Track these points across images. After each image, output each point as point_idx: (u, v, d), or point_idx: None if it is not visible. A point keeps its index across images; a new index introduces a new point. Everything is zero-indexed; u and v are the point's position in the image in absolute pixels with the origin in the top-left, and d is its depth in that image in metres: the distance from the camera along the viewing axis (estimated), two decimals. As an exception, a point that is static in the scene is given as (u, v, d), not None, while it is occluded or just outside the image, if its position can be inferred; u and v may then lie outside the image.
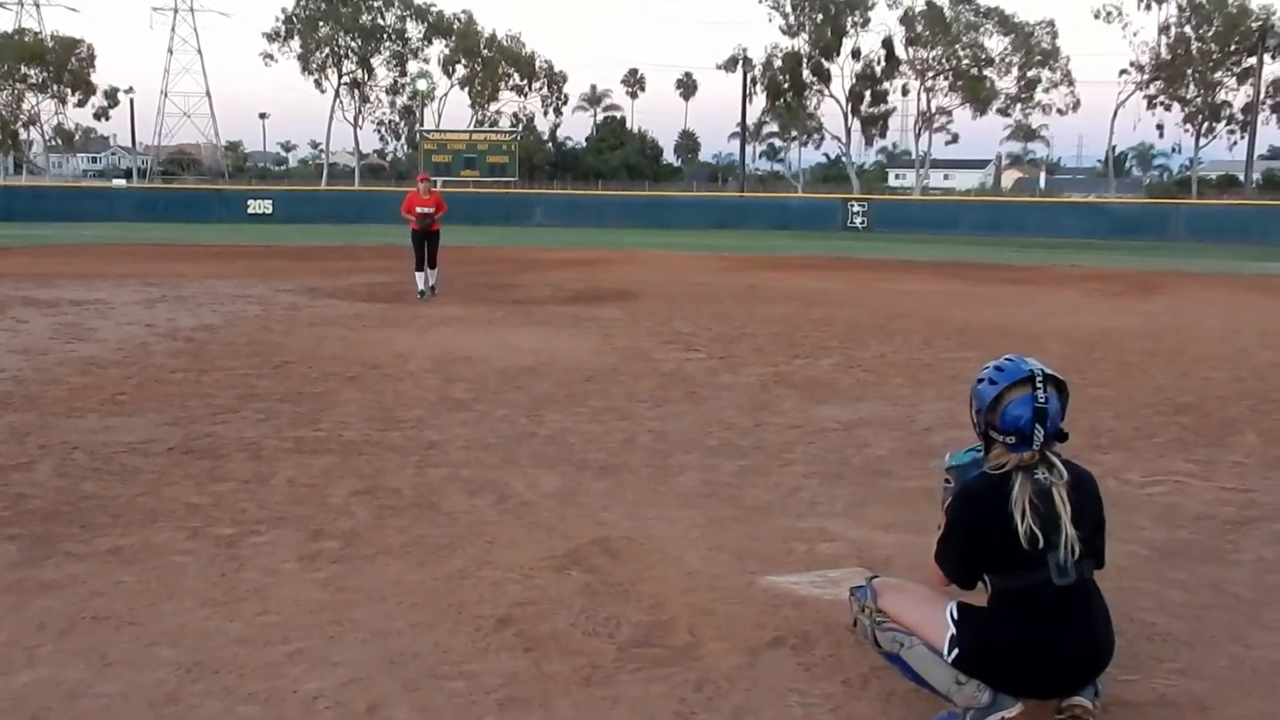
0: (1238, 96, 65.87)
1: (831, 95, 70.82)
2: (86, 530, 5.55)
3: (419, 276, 17.55)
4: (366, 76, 76.50)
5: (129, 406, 8.63)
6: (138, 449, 7.23)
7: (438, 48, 77.02)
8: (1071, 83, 67.71)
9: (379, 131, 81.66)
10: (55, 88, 78.92)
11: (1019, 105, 69.94)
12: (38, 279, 19.05)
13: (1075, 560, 3.51)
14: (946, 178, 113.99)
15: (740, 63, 67.98)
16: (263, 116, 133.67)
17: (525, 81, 79.53)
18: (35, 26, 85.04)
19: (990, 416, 3.64)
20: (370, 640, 4.27)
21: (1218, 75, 65.37)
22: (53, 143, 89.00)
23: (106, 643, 4.21)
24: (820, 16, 67.64)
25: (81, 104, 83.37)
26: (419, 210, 17.72)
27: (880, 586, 3.93)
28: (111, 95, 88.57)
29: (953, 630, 3.62)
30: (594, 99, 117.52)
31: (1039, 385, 3.58)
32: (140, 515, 5.82)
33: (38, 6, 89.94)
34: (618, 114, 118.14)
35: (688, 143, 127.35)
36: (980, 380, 3.72)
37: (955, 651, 3.61)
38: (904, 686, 3.85)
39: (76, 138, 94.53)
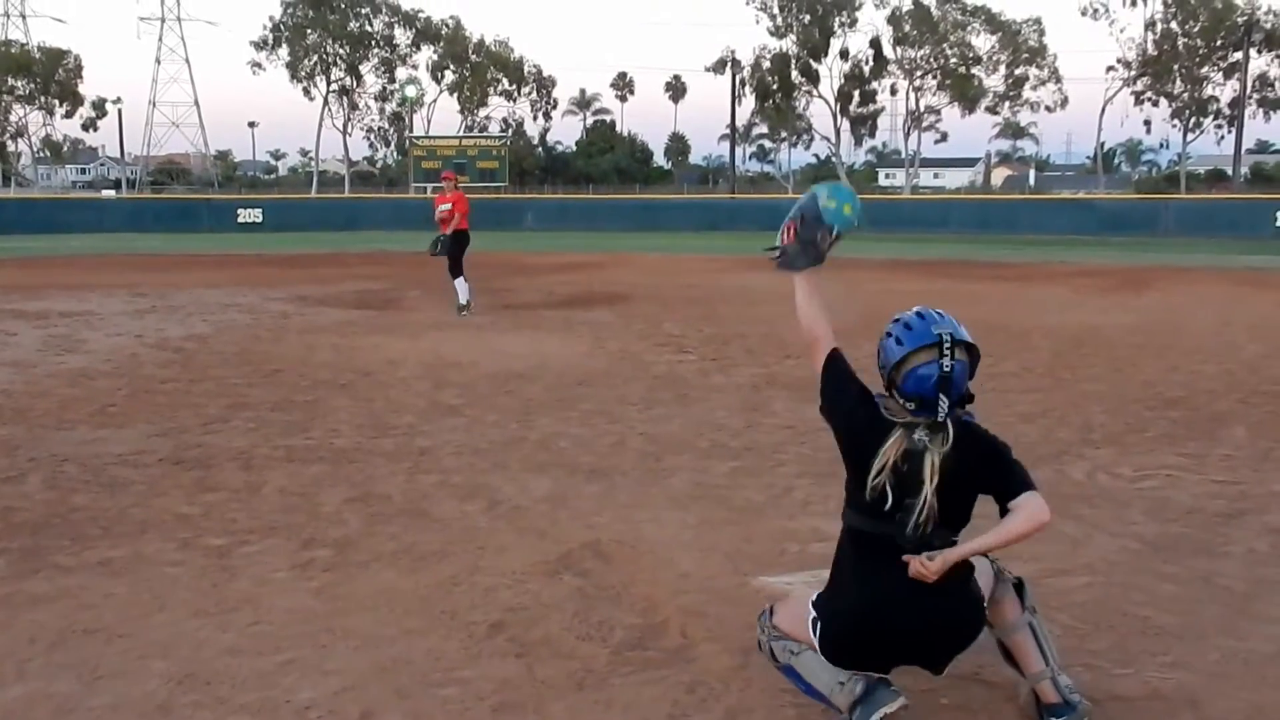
0: (1224, 91, 66.05)
1: (820, 96, 70.92)
2: (77, 542, 5.54)
3: (458, 286, 16.09)
4: (355, 83, 76.39)
5: (119, 418, 8.61)
6: (128, 460, 7.21)
7: (426, 54, 76.99)
8: (1059, 80, 67.88)
9: (368, 138, 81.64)
10: (43, 99, 78.80)
11: (1007, 103, 70.05)
12: (26, 291, 19.00)
13: (928, 530, 3.38)
14: (936, 176, 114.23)
15: (729, 64, 68.05)
16: (252, 125, 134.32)
17: (514, 86, 79.48)
18: (22, 38, 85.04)
19: (894, 375, 3.49)
20: (363, 648, 4.26)
21: (1204, 70, 65.48)
22: (41, 154, 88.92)
23: (97, 655, 4.20)
24: (808, 17, 67.64)
25: (69, 115, 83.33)
26: (440, 208, 16.61)
27: (777, 605, 3.88)
28: (99, 106, 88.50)
29: (813, 613, 3.58)
30: (583, 103, 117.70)
31: (946, 351, 3.41)
32: (131, 526, 5.80)
33: (24, 18, 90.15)
34: (607, 117, 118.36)
35: (678, 145, 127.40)
36: (889, 335, 3.57)
37: (819, 627, 3.54)
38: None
39: (65, 149, 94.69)
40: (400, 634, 4.40)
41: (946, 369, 3.39)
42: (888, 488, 3.38)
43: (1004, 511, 3.41)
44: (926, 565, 3.33)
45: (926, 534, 3.38)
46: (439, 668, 4.10)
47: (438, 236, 16.60)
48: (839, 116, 71.00)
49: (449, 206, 16.50)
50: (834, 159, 77.16)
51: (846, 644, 3.51)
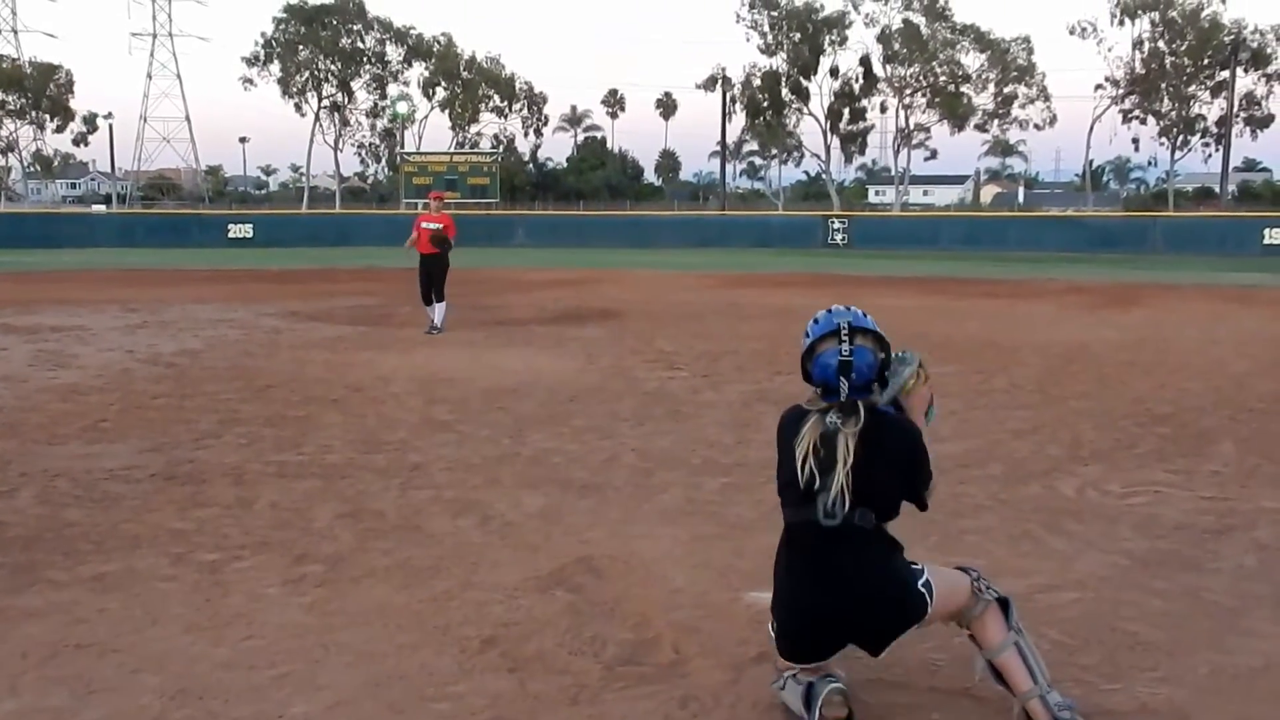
0: (1212, 109, 66.43)
1: (810, 113, 71.10)
2: (69, 557, 5.53)
3: (428, 310, 15.85)
4: (346, 100, 76.50)
5: (111, 433, 8.61)
6: (120, 475, 7.21)
7: (418, 70, 77.12)
8: (1048, 98, 68.14)
9: (360, 154, 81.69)
10: (33, 114, 78.85)
11: (996, 121, 70.28)
12: (17, 306, 18.97)
13: (846, 507, 3.61)
14: (926, 193, 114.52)
15: (719, 82, 68.14)
16: (243, 140, 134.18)
17: (505, 103, 79.55)
18: (13, 53, 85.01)
19: (806, 364, 3.79)
20: (356, 663, 4.27)
21: (1192, 89, 65.87)
22: (31, 169, 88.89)
23: (90, 670, 4.20)
24: (798, 35, 67.88)
25: (60, 130, 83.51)
26: (424, 226, 15.90)
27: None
28: (90, 121, 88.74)
29: (770, 604, 3.86)
30: (574, 119, 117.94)
31: (844, 339, 3.70)
32: (123, 542, 5.80)
33: (15, 33, 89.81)
34: (598, 134, 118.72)
35: (668, 162, 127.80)
36: (806, 330, 3.83)
37: (774, 630, 3.83)
38: (885, 699, 3.89)
39: (55, 164, 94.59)
40: (393, 649, 4.41)
41: (845, 354, 3.69)
42: (812, 471, 3.62)
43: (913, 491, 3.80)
44: None
45: (845, 512, 3.61)
46: (432, 683, 4.11)
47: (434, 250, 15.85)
48: (829, 134, 71.22)
49: (440, 226, 15.92)
50: (824, 176, 77.44)
51: (789, 632, 3.76)
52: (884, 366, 3.78)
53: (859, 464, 3.59)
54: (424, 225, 16.06)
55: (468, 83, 76.93)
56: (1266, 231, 41.29)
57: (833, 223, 48.09)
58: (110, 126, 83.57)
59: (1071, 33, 66.05)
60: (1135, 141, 75.94)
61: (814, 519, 3.63)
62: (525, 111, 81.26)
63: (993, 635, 3.72)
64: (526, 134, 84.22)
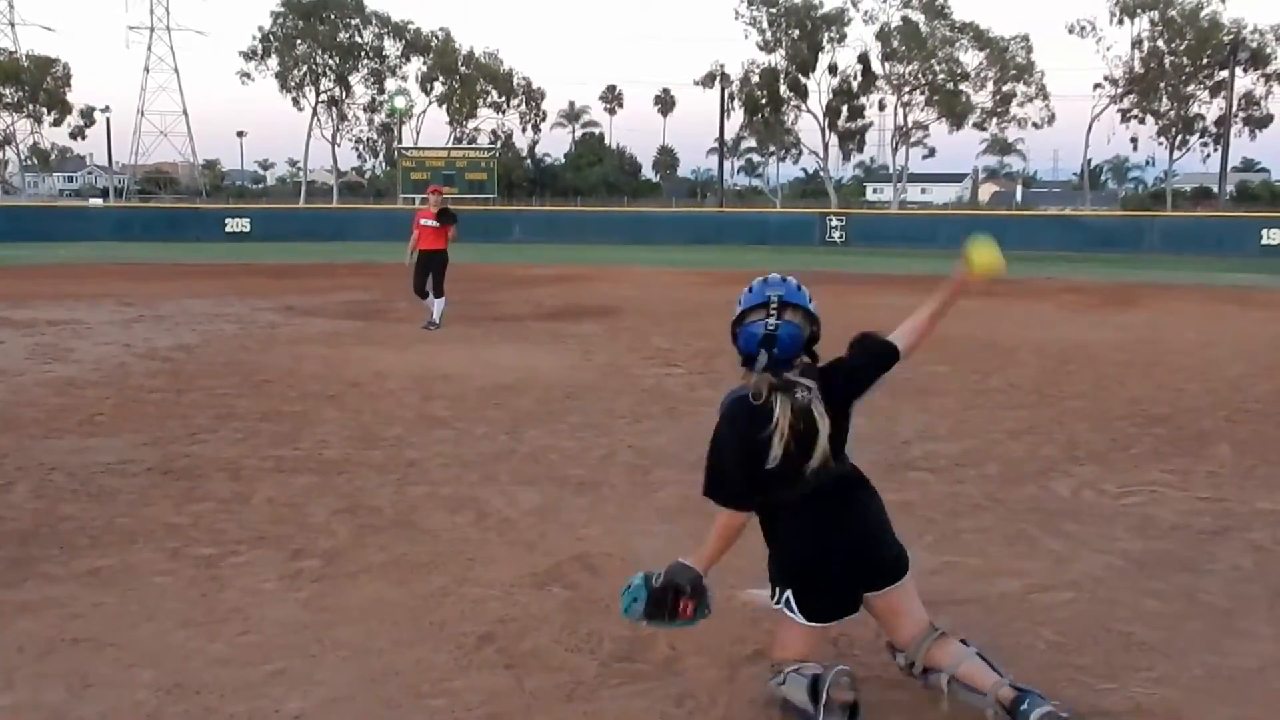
0: (1210, 109, 66.49)
1: (809, 110, 71.13)
2: (65, 552, 5.54)
3: (424, 303, 15.83)
4: (344, 94, 76.42)
5: (107, 427, 8.61)
6: (116, 470, 7.21)
7: (415, 65, 77.04)
8: (1046, 97, 68.16)
9: (357, 149, 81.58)
10: (31, 107, 78.71)
11: (995, 119, 70.27)
12: (14, 299, 18.92)
13: (831, 468, 3.72)
14: (924, 191, 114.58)
15: (718, 78, 68.12)
16: (240, 134, 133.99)
17: (503, 98, 79.54)
18: (10, 46, 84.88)
19: (735, 330, 3.85)
20: (352, 659, 4.28)
21: (1190, 88, 65.94)
22: (29, 162, 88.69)
23: (86, 665, 4.20)
24: (797, 33, 67.88)
25: (57, 123, 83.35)
26: (423, 223, 15.91)
27: (771, 651, 4.02)
28: (88, 114, 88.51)
29: (779, 594, 3.85)
30: (572, 115, 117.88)
31: (773, 311, 3.74)
32: (119, 536, 5.80)
33: (13, 26, 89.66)
34: (596, 130, 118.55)
35: (666, 158, 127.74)
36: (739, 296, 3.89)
37: (792, 598, 3.80)
38: (880, 698, 3.89)
39: (53, 157, 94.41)
40: (389, 645, 4.41)
41: (771, 326, 3.73)
42: (793, 447, 3.67)
43: (885, 359, 4.02)
44: None
45: (832, 472, 3.72)
46: (428, 679, 4.11)
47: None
48: (827, 131, 71.25)
49: (438, 225, 15.90)
50: (822, 173, 77.43)
51: (815, 586, 3.78)
52: (811, 341, 3.83)
53: (832, 426, 3.71)
54: (423, 223, 16.01)
55: (466, 78, 76.90)
56: (1264, 232, 41.30)
57: (830, 220, 48.09)
58: (107, 120, 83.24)
59: (1070, 31, 66.15)
60: (1134, 141, 75.98)
61: (811, 490, 3.71)
62: (523, 107, 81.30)
63: (952, 652, 3.77)
64: (524, 130, 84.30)
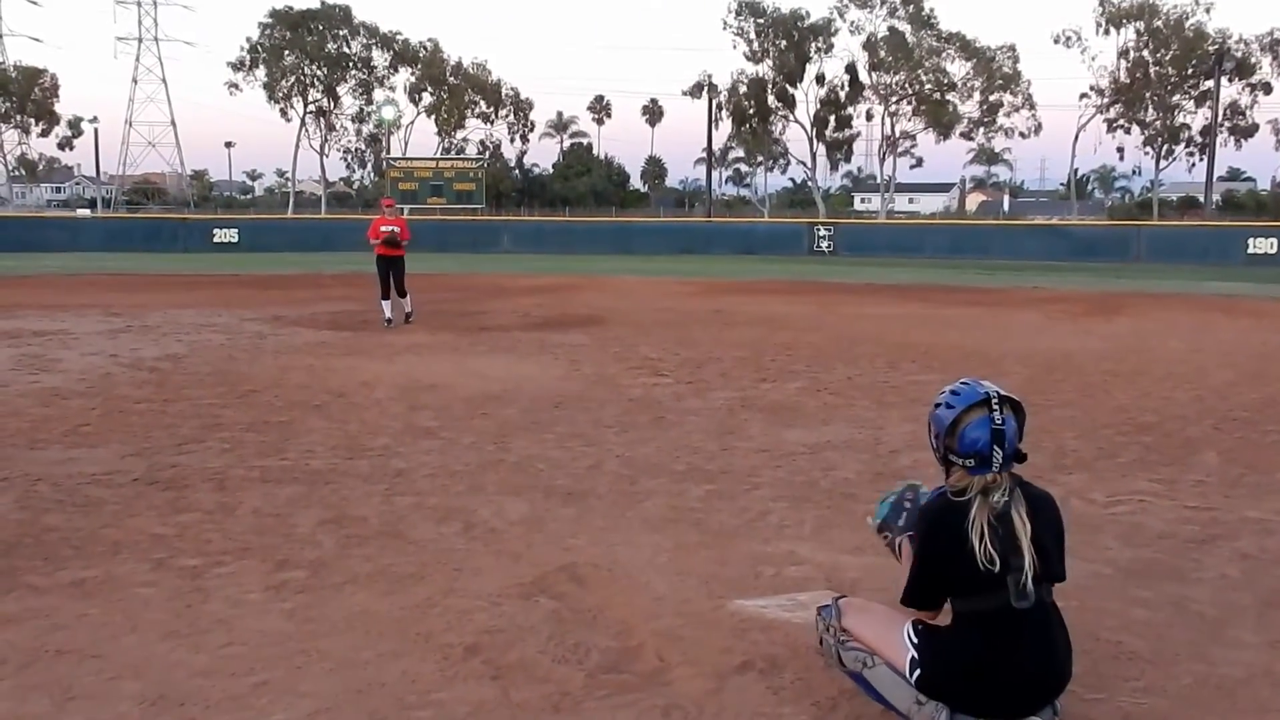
0: (1196, 119, 66.94)
1: (796, 120, 71.44)
2: (49, 563, 5.50)
3: (385, 305, 17.41)
4: (332, 105, 76.47)
5: (92, 437, 8.56)
6: (101, 480, 7.17)
7: (404, 76, 77.21)
8: (1033, 106, 68.61)
9: (345, 160, 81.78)
10: (18, 118, 78.62)
11: (982, 129, 70.66)
12: (0, 310, 18.88)
13: (1034, 583, 3.53)
14: (911, 201, 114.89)
15: (705, 89, 68.38)
16: (228, 145, 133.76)
17: (491, 109, 79.72)
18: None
19: (949, 440, 3.66)
20: (337, 670, 4.25)
21: (1176, 98, 66.32)
22: (16, 173, 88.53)
23: (69, 676, 4.17)
24: (784, 43, 68.17)
25: (45, 134, 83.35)
26: (384, 230, 17.66)
27: (845, 606, 3.96)
28: (75, 125, 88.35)
29: (913, 652, 3.66)
30: (560, 125, 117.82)
31: (995, 407, 3.61)
32: (103, 547, 5.77)
33: (0, 37, 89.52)
34: (584, 140, 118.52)
35: (654, 168, 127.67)
36: (937, 405, 3.74)
37: (917, 673, 3.64)
38: (872, 710, 3.87)
39: (40, 167, 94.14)
40: (375, 656, 4.39)
41: (998, 422, 3.59)
42: (992, 551, 3.50)
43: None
44: None
45: (1036, 589, 3.54)
46: (414, 690, 4.08)
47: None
48: (815, 141, 71.53)
49: (396, 230, 17.76)
50: (810, 183, 77.64)
51: (952, 696, 3.61)
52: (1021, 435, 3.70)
53: (1035, 539, 3.55)
54: (382, 229, 17.76)
55: (454, 88, 77.06)
56: (1250, 241, 41.55)
57: (818, 230, 48.18)
58: (95, 131, 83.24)
59: (1056, 41, 66.64)
60: (1120, 150, 76.44)
61: (1007, 602, 3.52)
62: (511, 117, 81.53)
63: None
64: (512, 140, 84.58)
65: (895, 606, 3.83)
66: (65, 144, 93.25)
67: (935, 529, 3.66)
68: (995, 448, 3.57)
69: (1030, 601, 3.52)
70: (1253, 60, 64.06)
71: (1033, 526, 3.55)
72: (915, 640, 3.67)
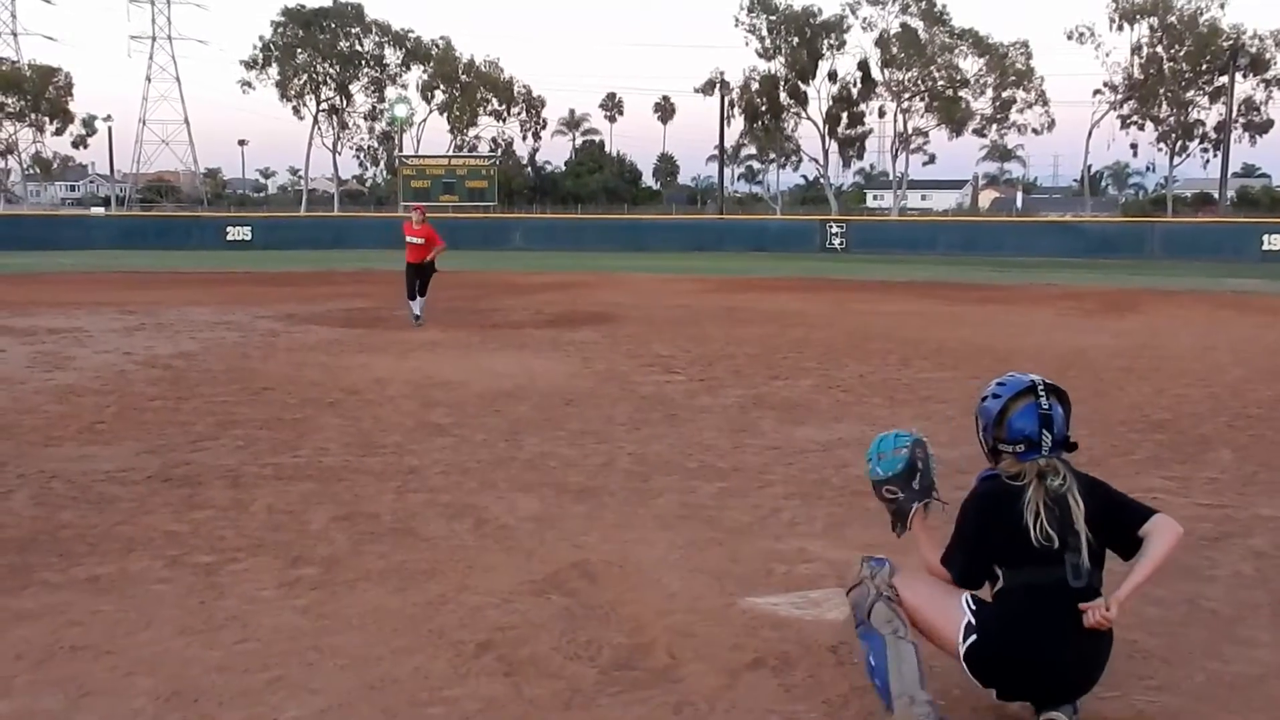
0: (1210, 115, 66.56)
1: (809, 117, 71.25)
2: (64, 559, 5.52)
3: (412, 304, 17.44)
4: (345, 103, 76.57)
5: (107, 435, 8.60)
6: (116, 477, 7.20)
7: (416, 74, 77.23)
8: (1046, 103, 68.24)
9: (358, 157, 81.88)
10: (33, 116, 78.81)
11: (994, 126, 70.33)
12: (15, 307, 18.95)
13: (1090, 566, 3.59)
14: (924, 198, 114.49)
15: (718, 86, 68.24)
16: (242, 143, 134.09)
17: (504, 106, 79.63)
18: (12, 55, 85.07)
19: (998, 431, 3.72)
20: (350, 667, 4.26)
21: (1190, 94, 66.00)
22: (30, 171, 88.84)
23: (84, 672, 4.19)
24: (796, 40, 68.02)
25: (59, 132, 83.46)
26: (409, 240, 17.69)
27: (898, 566, 3.91)
28: (89, 123, 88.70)
29: (969, 618, 3.66)
30: (572, 123, 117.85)
31: (1041, 393, 3.68)
32: (118, 544, 5.79)
33: (15, 35, 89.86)
34: (596, 138, 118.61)
35: (666, 166, 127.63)
36: (984, 398, 3.79)
37: (972, 639, 3.62)
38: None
39: (54, 166, 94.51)
40: (388, 653, 4.40)
41: (1045, 407, 3.67)
42: (1048, 529, 3.56)
43: (1132, 544, 3.70)
44: (1107, 616, 3.54)
45: (1091, 571, 3.60)
46: (426, 687, 4.09)
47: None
48: (827, 138, 71.35)
49: (422, 241, 17.56)
50: (822, 180, 77.47)
51: (998, 669, 3.63)
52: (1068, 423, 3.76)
53: (1089, 517, 3.61)
54: (409, 240, 17.71)
55: (466, 86, 77.01)
56: (1265, 237, 41.42)
57: (830, 227, 48.14)
58: (109, 129, 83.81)
59: (1070, 38, 66.22)
60: (1134, 147, 75.96)
61: (1064, 579, 3.57)
62: (523, 115, 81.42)
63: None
64: (525, 137, 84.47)
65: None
66: (79, 142, 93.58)
67: (988, 512, 3.70)
68: (1044, 431, 3.65)
69: (1084, 583, 3.57)
70: (1267, 56, 63.67)
71: (1087, 508, 3.61)
72: (974, 607, 3.68)
